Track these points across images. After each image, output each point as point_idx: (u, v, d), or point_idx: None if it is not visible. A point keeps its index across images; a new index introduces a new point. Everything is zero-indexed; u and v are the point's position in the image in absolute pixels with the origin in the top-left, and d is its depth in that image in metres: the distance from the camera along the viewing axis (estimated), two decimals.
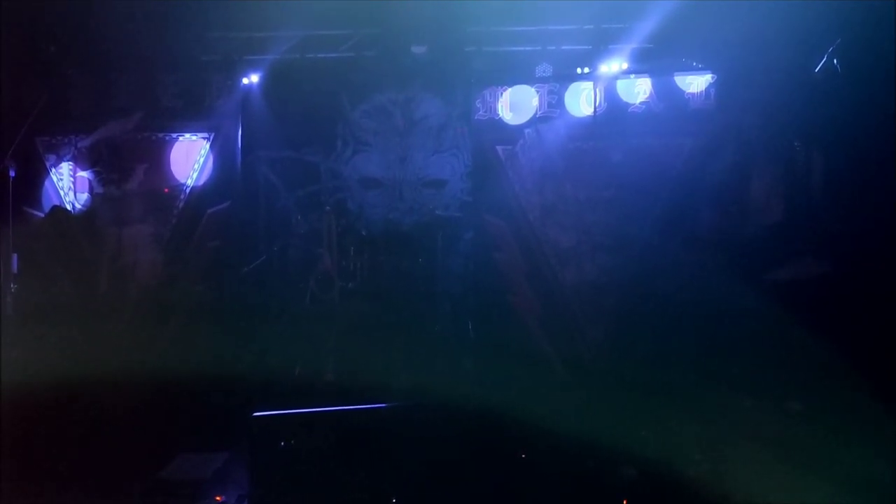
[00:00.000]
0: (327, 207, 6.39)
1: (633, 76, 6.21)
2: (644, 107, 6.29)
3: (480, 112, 6.53)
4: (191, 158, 6.54)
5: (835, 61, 5.18)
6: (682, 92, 6.22)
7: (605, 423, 4.57)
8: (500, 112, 6.51)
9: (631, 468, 4.29)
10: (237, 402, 4.84)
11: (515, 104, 6.47)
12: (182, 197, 6.49)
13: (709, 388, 4.87)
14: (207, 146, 6.55)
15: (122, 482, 4.24)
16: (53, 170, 6.44)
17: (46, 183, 6.39)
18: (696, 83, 6.20)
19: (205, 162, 6.54)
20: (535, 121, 6.44)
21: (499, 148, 6.52)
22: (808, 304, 5.04)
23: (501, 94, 6.48)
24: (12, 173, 5.40)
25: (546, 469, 4.41)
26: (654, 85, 6.25)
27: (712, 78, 6.14)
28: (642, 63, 6.11)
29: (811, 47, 5.34)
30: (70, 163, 6.42)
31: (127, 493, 4.21)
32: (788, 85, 5.50)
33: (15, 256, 5.57)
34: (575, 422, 4.56)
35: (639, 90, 6.28)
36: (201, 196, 6.49)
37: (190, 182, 6.53)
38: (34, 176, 6.25)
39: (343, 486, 4.02)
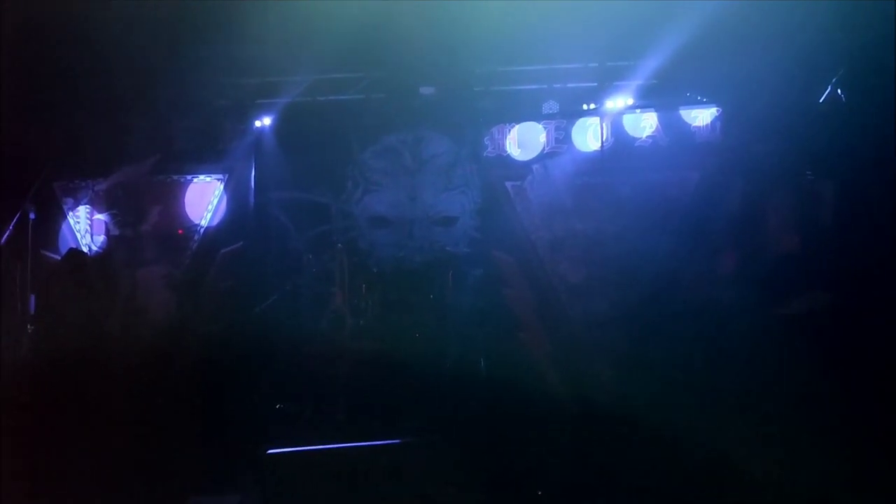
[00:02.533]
0: (339, 245, 6.45)
1: (638, 111, 6.30)
2: (651, 141, 6.37)
3: (489, 149, 6.63)
4: (205, 199, 6.67)
5: (839, 91, 5.23)
6: (688, 125, 6.29)
7: (618, 459, 4.51)
8: (508, 148, 6.60)
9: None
10: (250, 441, 4.82)
11: (523, 140, 6.57)
12: (196, 238, 6.60)
13: (722, 420, 4.80)
14: (221, 187, 6.68)
15: None
16: (71, 213, 6.57)
17: (64, 226, 6.52)
18: (701, 116, 6.27)
19: (218, 203, 6.67)
20: (543, 156, 6.53)
21: (508, 184, 6.59)
22: (820, 336, 4.98)
23: (509, 130, 6.58)
24: (32, 216, 5.51)
25: None
26: (660, 119, 6.33)
27: (717, 111, 6.22)
28: (648, 98, 6.21)
29: (815, 78, 5.39)
30: (87, 206, 6.57)
31: None
32: (793, 115, 5.55)
33: (32, 298, 5.64)
34: (588, 457, 4.49)
35: (645, 124, 6.36)
36: (215, 236, 6.59)
37: (204, 223, 6.64)
38: (52, 219, 6.37)
39: None
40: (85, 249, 6.44)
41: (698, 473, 4.46)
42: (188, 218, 6.65)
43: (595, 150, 6.38)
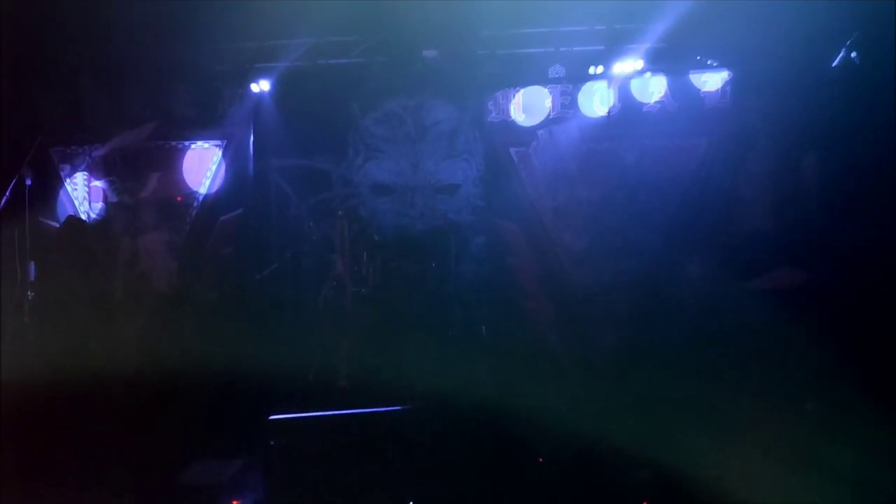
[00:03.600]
0: (340, 212, 6.39)
1: (647, 75, 6.14)
2: (659, 106, 6.22)
3: (493, 114, 6.50)
4: (203, 166, 6.57)
5: (853, 55, 5.10)
6: (698, 90, 6.13)
7: (620, 426, 4.52)
8: (512, 114, 6.47)
9: (646, 470, 4.24)
10: (252, 408, 4.83)
11: (528, 105, 6.42)
12: (195, 205, 6.52)
13: (722, 391, 4.79)
14: (220, 154, 6.58)
15: (138, 487, 4.24)
16: (68, 180, 6.49)
17: (61, 193, 6.45)
18: (711, 81, 6.12)
19: (217, 170, 6.57)
20: (548, 122, 6.39)
21: (512, 150, 6.48)
22: (822, 309, 4.94)
23: (514, 95, 6.44)
24: (28, 182, 5.45)
25: (562, 471, 4.35)
26: (668, 84, 6.17)
27: (728, 75, 6.07)
28: (657, 62, 6.05)
29: (828, 41, 5.26)
30: (84, 173, 6.48)
31: (143, 498, 4.20)
32: (806, 80, 5.42)
33: (32, 265, 5.61)
34: (590, 425, 4.50)
35: (653, 89, 6.20)
36: (214, 203, 6.51)
37: (203, 190, 6.56)
38: (49, 186, 6.30)
39: (359, 488, 3.99)
40: (83, 216, 6.39)
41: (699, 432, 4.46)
42: (187, 185, 6.56)
43: (602, 116, 6.24)
